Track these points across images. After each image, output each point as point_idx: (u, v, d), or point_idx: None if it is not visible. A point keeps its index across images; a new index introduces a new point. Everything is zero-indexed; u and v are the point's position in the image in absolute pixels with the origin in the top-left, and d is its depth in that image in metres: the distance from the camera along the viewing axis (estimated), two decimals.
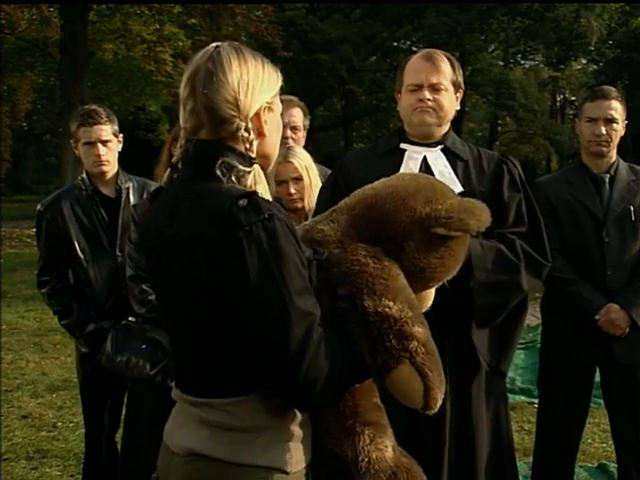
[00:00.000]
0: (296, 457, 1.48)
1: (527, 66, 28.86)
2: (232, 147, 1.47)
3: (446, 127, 2.49)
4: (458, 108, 2.51)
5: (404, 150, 2.46)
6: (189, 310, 1.46)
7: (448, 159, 2.44)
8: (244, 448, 1.44)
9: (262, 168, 1.52)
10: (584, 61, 28.59)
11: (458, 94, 2.48)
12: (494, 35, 23.82)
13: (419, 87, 2.40)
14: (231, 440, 1.45)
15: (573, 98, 32.59)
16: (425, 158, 2.43)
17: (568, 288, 3.03)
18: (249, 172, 1.46)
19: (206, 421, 1.47)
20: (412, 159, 2.42)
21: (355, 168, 2.49)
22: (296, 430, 1.48)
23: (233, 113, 1.46)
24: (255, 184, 1.47)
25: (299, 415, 1.49)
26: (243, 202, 1.37)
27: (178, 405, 1.57)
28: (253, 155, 1.48)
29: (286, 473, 1.45)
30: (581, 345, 3.04)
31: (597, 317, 2.98)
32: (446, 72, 2.41)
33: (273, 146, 1.57)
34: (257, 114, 1.49)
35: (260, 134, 1.51)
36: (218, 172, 1.44)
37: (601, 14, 21.93)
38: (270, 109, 1.52)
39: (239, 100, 1.46)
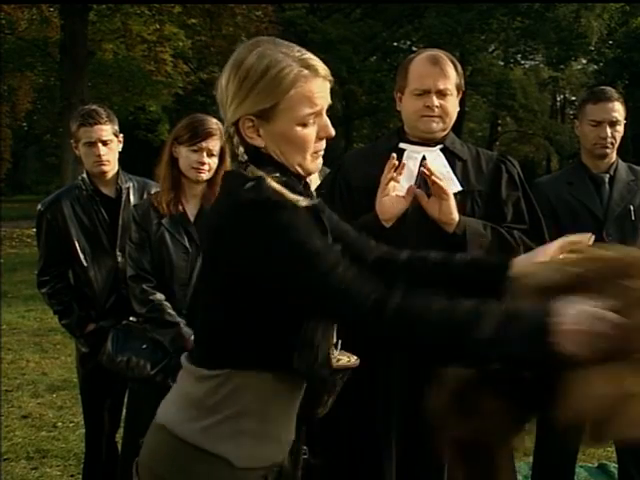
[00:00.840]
0: (248, 452, 1.45)
1: (527, 66, 28.89)
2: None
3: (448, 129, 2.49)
4: (458, 109, 2.52)
5: (403, 150, 2.46)
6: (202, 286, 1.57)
7: (447, 158, 2.45)
8: (198, 429, 1.44)
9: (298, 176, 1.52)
10: (584, 61, 28.63)
11: (459, 95, 2.49)
12: (494, 35, 23.83)
13: (426, 92, 2.38)
14: (192, 418, 1.45)
15: (573, 98, 32.59)
16: (424, 158, 2.43)
17: None
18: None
19: (180, 390, 1.52)
20: (411, 159, 2.43)
21: (355, 168, 2.50)
22: (257, 425, 1.46)
23: (224, 116, 1.51)
24: None
25: (271, 411, 1.47)
26: (250, 184, 1.41)
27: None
28: (242, 159, 1.49)
29: (232, 466, 1.43)
30: None
31: None
32: (452, 77, 2.41)
33: (284, 157, 1.49)
34: (237, 123, 1.48)
35: (248, 144, 1.49)
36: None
37: (601, 14, 21.96)
38: (259, 121, 1.46)
39: (225, 105, 1.49)
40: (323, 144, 1.53)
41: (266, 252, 1.37)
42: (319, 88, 1.48)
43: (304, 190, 1.52)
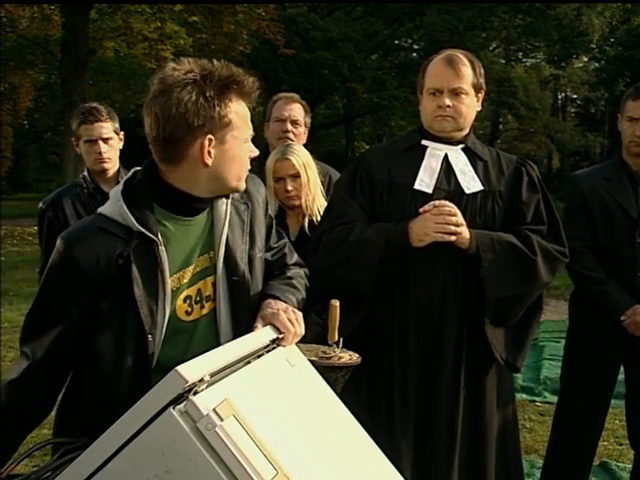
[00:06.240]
0: None
1: (528, 64, 28.84)
2: None
3: (467, 129, 2.50)
4: (479, 109, 2.51)
5: (425, 146, 2.48)
6: None
7: (468, 158, 2.46)
8: None
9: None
10: (585, 59, 28.58)
11: (479, 94, 2.48)
12: (495, 33, 23.83)
13: (439, 91, 2.40)
14: None
15: (574, 96, 32.60)
16: (446, 156, 2.45)
17: (596, 286, 2.96)
18: None
19: None
20: (434, 156, 2.45)
21: (377, 161, 2.52)
22: None
23: None
24: None
25: None
26: None
27: None
28: None
29: None
30: (606, 343, 2.98)
31: (623, 318, 2.91)
32: (467, 76, 2.41)
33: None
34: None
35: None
36: None
37: (602, 12, 21.96)
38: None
39: None
40: None
41: None
42: None
43: None
